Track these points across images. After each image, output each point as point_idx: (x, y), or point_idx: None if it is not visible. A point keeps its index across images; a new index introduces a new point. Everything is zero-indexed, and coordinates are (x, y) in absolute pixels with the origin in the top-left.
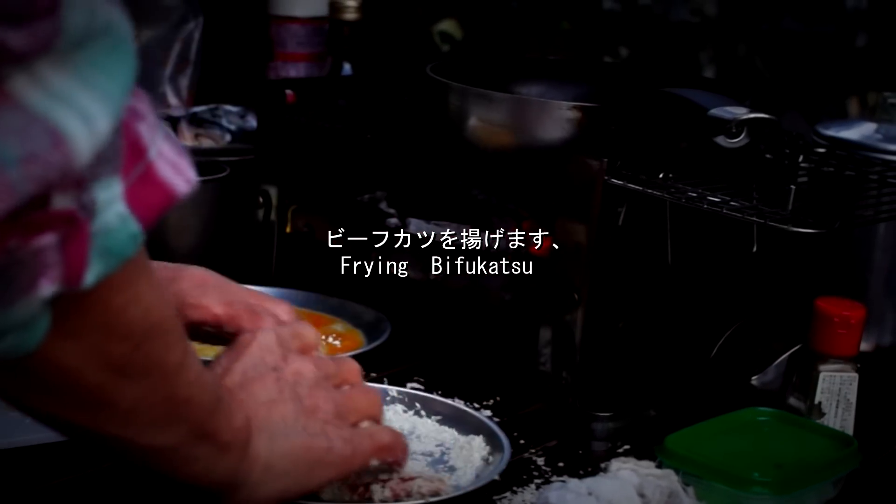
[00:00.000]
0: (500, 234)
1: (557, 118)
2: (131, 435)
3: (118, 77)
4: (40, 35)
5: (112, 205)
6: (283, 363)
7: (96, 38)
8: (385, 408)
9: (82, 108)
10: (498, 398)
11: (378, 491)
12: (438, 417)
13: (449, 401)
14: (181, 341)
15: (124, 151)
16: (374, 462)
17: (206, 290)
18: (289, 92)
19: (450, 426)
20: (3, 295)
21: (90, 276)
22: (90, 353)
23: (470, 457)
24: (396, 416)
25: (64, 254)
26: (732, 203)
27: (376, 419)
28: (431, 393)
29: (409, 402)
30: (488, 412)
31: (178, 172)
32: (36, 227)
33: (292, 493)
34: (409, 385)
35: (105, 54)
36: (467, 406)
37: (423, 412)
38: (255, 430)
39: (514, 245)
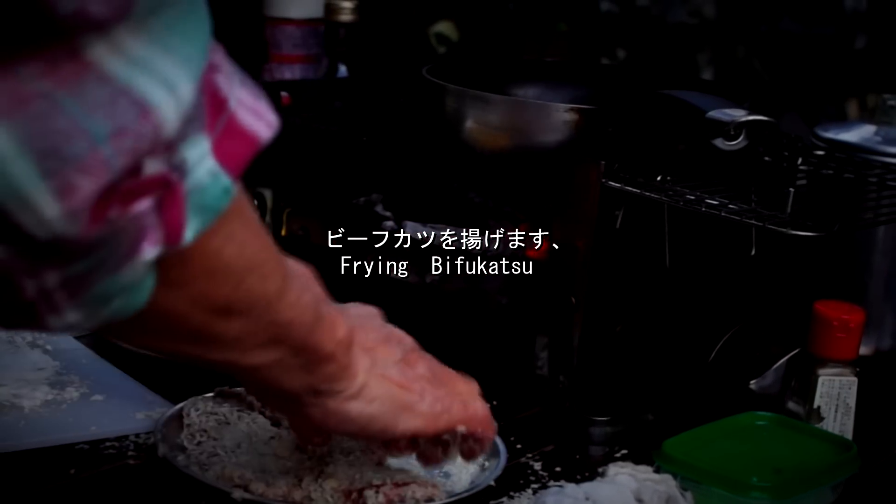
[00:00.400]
0: (497, 236)
1: (555, 120)
2: (236, 358)
3: (196, 39)
4: (118, 1)
5: (202, 162)
6: (392, 329)
7: (170, 2)
8: None
9: (164, 74)
10: (494, 402)
11: (371, 496)
12: None
13: None
14: (279, 268)
15: (206, 107)
16: (462, 429)
17: None
18: (284, 94)
19: None
20: (108, 263)
21: (189, 234)
22: (194, 298)
23: (465, 463)
24: None
25: (162, 216)
26: (731, 206)
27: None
28: None
29: None
30: None
31: (258, 117)
32: (132, 195)
33: (377, 426)
34: None
35: (180, 17)
36: None
37: None
38: (358, 350)
39: (511, 248)
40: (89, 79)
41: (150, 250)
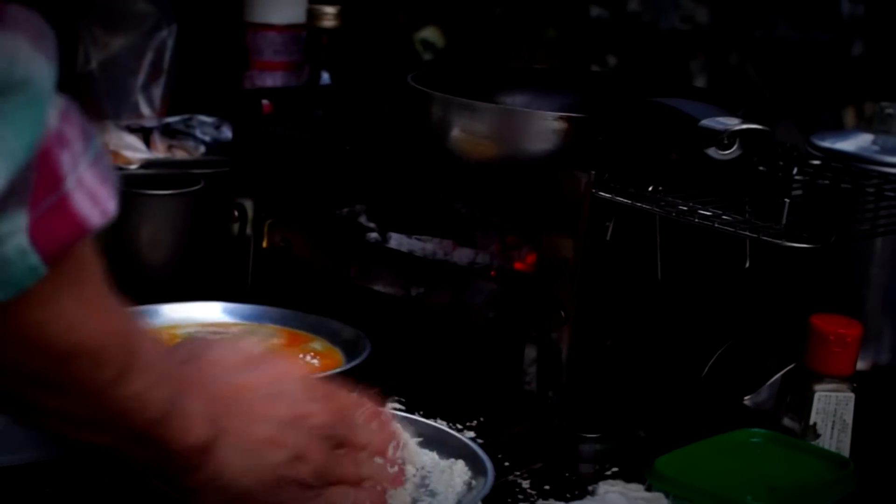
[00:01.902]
0: (483, 248)
1: (543, 129)
2: (67, 431)
3: (25, 134)
4: None
5: (13, 237)
6: (302, 405)
7: (10, 92)
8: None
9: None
10: (482, 419)
11: None
12: (419, 439)
13: (430, 422)
14: (120, 357)
15: (36, 183)
16: None
17: None
18: (265, 102)
19: (431, 448)
20: None
21: None
22: (4, 366)
23: (451, 481)
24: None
25: None
26: (724, 217)
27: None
28: (412, 413)
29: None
30: (472, 433)
31: (95, 203)
32: None
33: None
34: (389, 405)
35: (16, 109)
36: (450, 427)
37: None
38: (228, 453)
39: (498, 260)
40: None
41: None
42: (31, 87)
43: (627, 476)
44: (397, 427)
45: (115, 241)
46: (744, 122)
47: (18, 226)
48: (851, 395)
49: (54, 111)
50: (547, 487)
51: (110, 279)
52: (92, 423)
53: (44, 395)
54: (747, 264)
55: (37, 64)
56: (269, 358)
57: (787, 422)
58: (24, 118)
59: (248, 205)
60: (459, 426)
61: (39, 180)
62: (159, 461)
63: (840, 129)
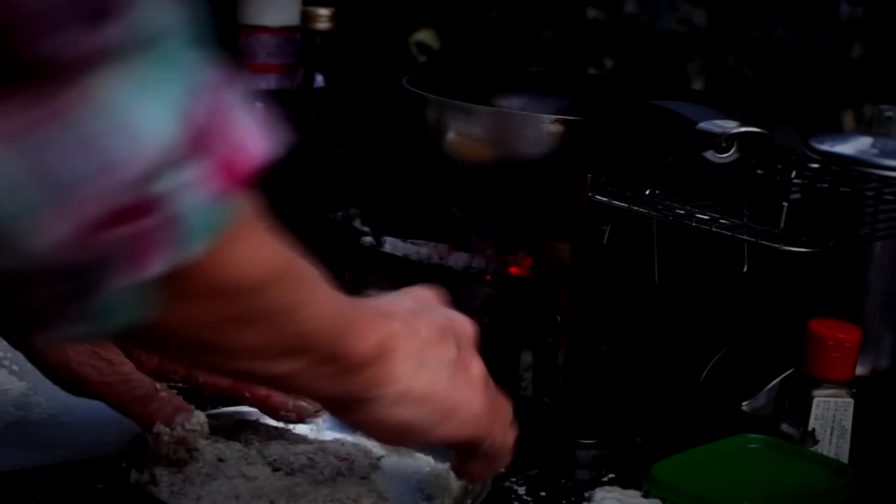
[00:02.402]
0: (479, 252)
1: (539, 132)
2: (256, 368)
3: (182, 78)
4: (110, 37)
5: (195, 185)
6: (453, 317)
7: (161, 40)
8: (360, 434)
9: (151, 110)
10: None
11: None
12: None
13: None
14: (300, 280)
15: (200, 130)
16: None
17: None
18: (258, 104)
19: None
20: (104, 281)
21: (185, 254)
22: (203, 313)
23: (447, 486)
24: (369, 441)
25: (157, 237)
26: (722, 221)
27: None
28: None
29: None
30: None
31: (256, 141)
32: (126, 217)
33: (416, 431)
34: None
35: (169, 56)
36: None
37: None
38: (400, 355)
39: (493, 265)
40: (77, 114)
41: (148, 270)
42: (179, 32)
43: (624, 482)
44: None
45: None
46: (741, 125)
47: (197, 173)
48: (850, 401)
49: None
50: (543, 494)
51: None
52: (284, 351)
53: (240, 334)
54: (745, 268)
55: (179, 13)
56: (413, 290)
57: (785, 427)
58: (179, 63)
59: None
60: None
61: (205, 125)
62: (343, 378)
63: (839, 132)
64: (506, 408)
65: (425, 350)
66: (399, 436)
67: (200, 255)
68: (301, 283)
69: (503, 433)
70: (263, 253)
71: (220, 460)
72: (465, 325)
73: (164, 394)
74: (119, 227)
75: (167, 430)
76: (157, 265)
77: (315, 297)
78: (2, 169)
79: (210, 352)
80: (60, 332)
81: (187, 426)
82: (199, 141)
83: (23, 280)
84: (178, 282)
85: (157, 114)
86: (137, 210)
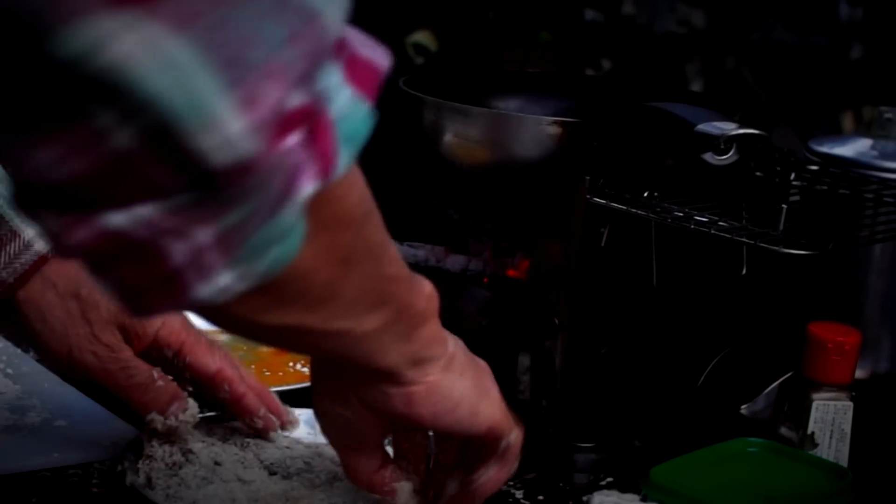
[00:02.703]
0: (476, 255)
1: (537, 134)
2: (351, 326)
3: None
4: None
5: (341, 88)
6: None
7: None
8: None
9: None
10: None
11: None
12: None
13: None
14: (381, 221)
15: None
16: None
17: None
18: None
19: None
20: (265, 206)
21: (342, 165)
22: (324, 249)
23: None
24: None
25: (314, 149)
26: (721, 223)
27: None
28: None
29: None
30: None
31: (373, 50)
32: (282, 129)
33: (465, 408)
34: None
35: None
36: None
37: None
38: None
39: (491, 267)
40: None
41: (307, 186)
42: None
43: (622, 486)
44: None
45: None
46: (740, 127)
47: (339, 77)
48: (850, 404)
49: None
50: (541, 498)
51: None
52: (374, 300)
53: (347, 276)
54: (744, 271)
55: None
56: None
57: (784, 431)
58: None
59: None
60: None
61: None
62: (413, 333)
63: (838, 134)
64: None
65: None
66: (452, 412)
67: (349, 169)
68: (382, 223)
69: (519, 430)
70: (363, 183)
71: (217, 463)
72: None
73: (161, 382)
74: (293, 129)
75: (161, 418)
76: (315, 180)
77: (390, 240)
78: (179, 57)
79: (318, 305)
80: (208, 287)
81: (181, 416)
82: (344, 39)
83: (193, 212)
84: (319, 206)
85: None
86: (307, 109)
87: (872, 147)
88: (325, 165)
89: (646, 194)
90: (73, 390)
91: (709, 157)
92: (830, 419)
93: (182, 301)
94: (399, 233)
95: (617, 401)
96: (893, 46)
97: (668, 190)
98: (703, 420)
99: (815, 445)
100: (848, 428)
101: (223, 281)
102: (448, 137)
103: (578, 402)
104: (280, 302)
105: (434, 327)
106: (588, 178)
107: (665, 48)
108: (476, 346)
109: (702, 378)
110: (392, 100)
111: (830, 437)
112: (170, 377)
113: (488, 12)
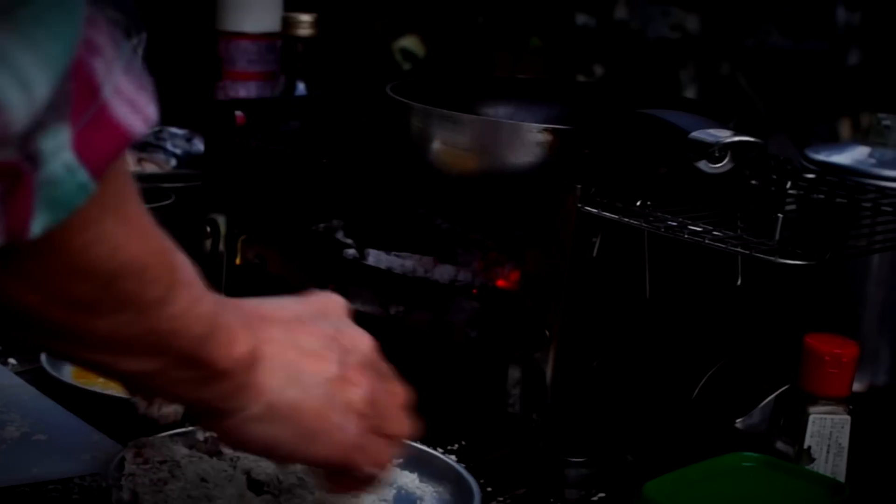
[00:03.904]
0: (465, 265)
1: (527, 141)
2: (109, 362)
3: (63, 35)
4: None
5: (58, 154)
6: (345, 330)
7: None
8: None
9: (21, 72)
10: (463, 442)
11: None
12: (399, 461)
13: (412, 443)
14: (165, 274)
15: (74, 94)
16: (373, 472)
17: None
18: (238, 113)
19: (412, 471)
20: None
21: (36, 228)
22: (52, 294)
23: None
24: None
25: (6, 206)
26: (715, 233)
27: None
28: None
29: None
30: (453, 457)
31: (135, 111)
32: None
33: (282, 450)
34: None
35: (50, 10)
36: (433, 450)
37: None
38: (270, 366)
39: (480, 278)
40: None
41: None
42: None
43: (615, 502)
44: None
45: None
46: (735, 135)
47: (63, 141)
48: (847, 418)
49: (82, 16)
50: None
51: None
52: (139, 347)
53: (92, 321)
54: (739, 282)
55: None
56: (314, 296)
57: (780, 445)
58: (60, 21)
59: (221, 220)
60: (440, 450)
61: (77, 90)
62: (204, 385)
63: (835, 142)
64: (382, 445)
65: (301, 363)
66: (262, 452)
67: (61, 230)
68: (167, 279)
69: (374, 466)
70: (128, 241)
71: (203, 480)
72: (358, 340)
73: None
74: None
75: (144, 403)
76: (2, 237)
77: (181, 295)
78: None
79: (60, 338)
80: None
81: (163, 409)
82: (81, 98)
83: None
84: (29, 256)
85: (31, 74)
86: (9, 166)
87: (870, 155)
88: (14, 226)
89: (638, 203)
90: (52, 404)
91: (703, 165)
92: (827, 433)
93: None
94: (386, 242)
95: (609, 414)
96: (891, 52)
97: (662, 199)
98: (697, 434)
99: (812, 460)
100: (845, 442)
101: None
102: (436, 145)
103: (570, 416)
104: (15, 325)
105: (236, 384)
106: (579, 186)
107: (658, 54)
108: (465, 358)
109: (696, 391)
110: (379, 106)
111: (827, 452)
112: None
113: (477, 17)
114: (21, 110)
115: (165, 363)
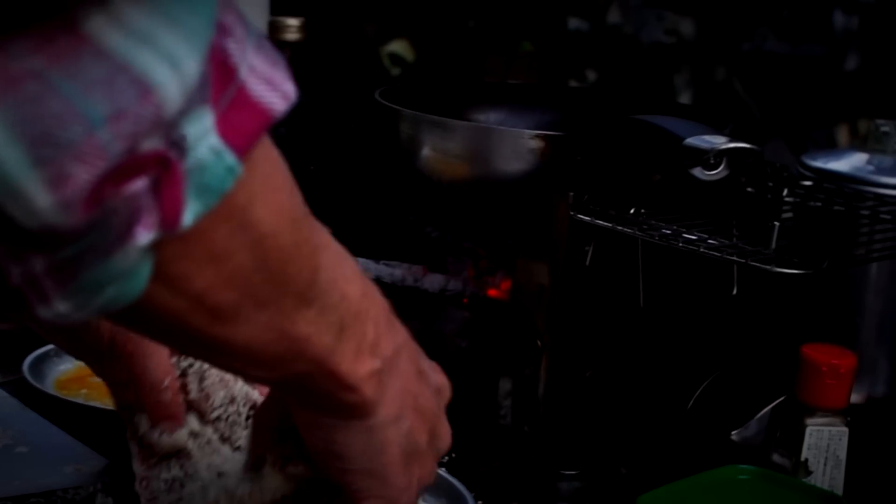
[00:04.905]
0: (455, 274)
1: (519, 148)
2: (249, 371)
3: (202, 11)
4: None
5: (204, 138)
6: (430, 371)
7: None
8: None
9: (168, 49)
10: (453, 455)
11: None
12: None
13: None
14: (305, 271)
15: (213, 77)
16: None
17: None
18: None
19: (438, 496)
20: (98, 248)
21: (188, 217)
22: (195, 296)
23: None
24: None
25: (158, 197)
26: (710, 241)
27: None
28: None
29: None
30: (443, 469)
31: (272, 88)
32: (126, 173)
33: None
34: None
35: None
36: None
37: None
38: (385, 382)
39: (471, 287)
40: (86, 55)
41: (144, 235)
42: None
43: None
44: None
45: None
46: (731, 141)
47: (208, 125)
48: (845, 430)
49: None
50: None
51: None
52: (278, 355)
53: (230, 328)
54: (735, 291)
55: None
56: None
57: (776, 458)
58: None
59: None
60: None
61: (214, 71)
62: (325, 395)
63: (833, 148)
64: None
65: (407, 394)
66: (333, 460)
67: (205, 220)
68: (304, 275)
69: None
70: (274, 227)
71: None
72: (444, 382)
73: (169, 393)
74: (138, 175)
75: (147, 424)
76: (154, 230)
77: (315, 296)
78: None
79: (199, 344)
80: (49, 310)
81: (164, 436)
82: (220, 80)
83: (23, 245)
84: (175, 253)
85: (177, 51)
86: (158, 156)
87: (868, 162)
88: (168, 216)
89: (632, 211)
90: (35, 416)
91: (698, 172)
92: (825, 445)
93: (31, 317)
94: (375, 251)
95: (602, 426)
96: (890, 56)
97: (656, 206)
98: (692, 446)
99: (809, 473)
100: (843, 455)
101: (61, 307)
102: (426, 152)
103: (562, 428)
104: (151, 330)
105: (358, 398)
106: (572, 193)
107: (652, 58)
108: (455, 369)
109: (691, 402)
110: (368, 112)
111: (825, 465)
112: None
113: (468, 21)
114: (173, 91)
115: (303, 371)
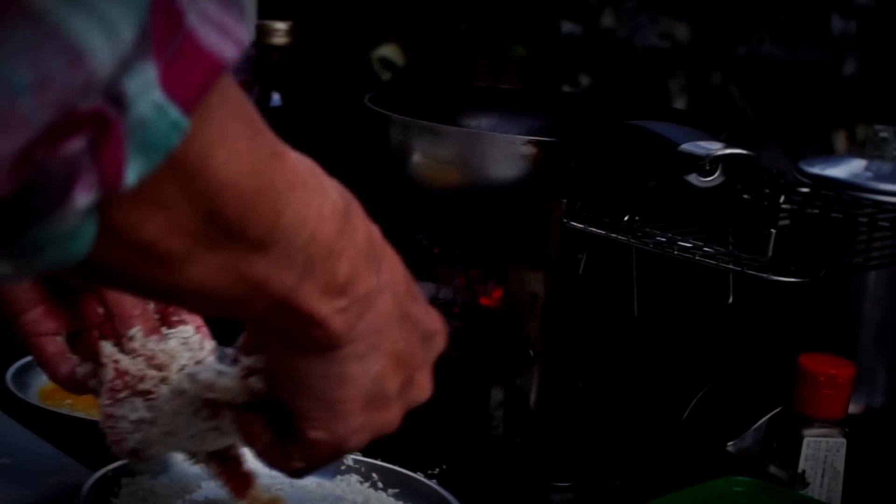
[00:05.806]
0: (446, 283)
1: (511, 154)
2: (209, 312)
3: None
4: None
5: (146, 94)
6: (422, 317)
7: None
8: (339, 478)
9: (102, 13)
10: (444, 466)
11: None
12: (396, 491)
13: (410, 473)
14: (267, 216)
15: (155, 25)
16: None
17: None
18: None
19: (406, 501)
20: (34, 211)
21: (131, 176)
22: (141, 247)
23: None
24: (350, 488)
25: (97, 157)
26: (706, 249)
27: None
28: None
29: (365, 472)
30: (434, 482)
31: (224, 34)
32: (60, 133)
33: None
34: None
35: None
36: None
37: (380, 484)
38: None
39: (462, 296)
40: (13, 17)
41: (83, 196)
42: None
43: None
44: None
45: None
46: (727, 147)
47: (149, 79)
48: (843, 441)
49: None
50: None
51: None
52: (232, 297)
53: (181, 273)
54: (731, 300)
55: None
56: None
57: (773, 469)
58: None
59: None
60: (421, 474)
61: (157, 20)
62: (290, 330)
63: (830, 154)
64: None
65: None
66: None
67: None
68: (265, 220)
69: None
70: (230, 167)
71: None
72: (437, 339)
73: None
74: (75, 134)
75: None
76: (93, 191)
77: (277, 238)
78: None
79: (148, 292)
80: None
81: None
82: (164, 28)
83: None
84: (121, 208)
85: (113, 15)
86: (95, 113)
87: (867, 168)
88: (108, 177)
89: (626, 218)
90: (18, 427)
91: (693, 178)
92: (822, 457)
93: None
94: None
95: (596, 437)
96: (889, 61)
97: (650, 214)
98: (687, 458)
99: (806, 484)
100: (841, 466)
101: (2, 269)
102: (416, 158)
103: (555, 439)
104: (101, 279)
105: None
106: (565, 200)
107: (647, 63)
108: (446, 379)
109: (686, 413)
110: (357, 118)
111: (822, 476)
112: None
113: (459, 25)
114: (106, 55)
115: (262, 309)
